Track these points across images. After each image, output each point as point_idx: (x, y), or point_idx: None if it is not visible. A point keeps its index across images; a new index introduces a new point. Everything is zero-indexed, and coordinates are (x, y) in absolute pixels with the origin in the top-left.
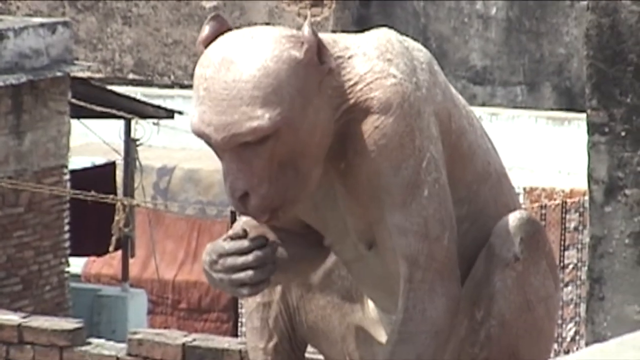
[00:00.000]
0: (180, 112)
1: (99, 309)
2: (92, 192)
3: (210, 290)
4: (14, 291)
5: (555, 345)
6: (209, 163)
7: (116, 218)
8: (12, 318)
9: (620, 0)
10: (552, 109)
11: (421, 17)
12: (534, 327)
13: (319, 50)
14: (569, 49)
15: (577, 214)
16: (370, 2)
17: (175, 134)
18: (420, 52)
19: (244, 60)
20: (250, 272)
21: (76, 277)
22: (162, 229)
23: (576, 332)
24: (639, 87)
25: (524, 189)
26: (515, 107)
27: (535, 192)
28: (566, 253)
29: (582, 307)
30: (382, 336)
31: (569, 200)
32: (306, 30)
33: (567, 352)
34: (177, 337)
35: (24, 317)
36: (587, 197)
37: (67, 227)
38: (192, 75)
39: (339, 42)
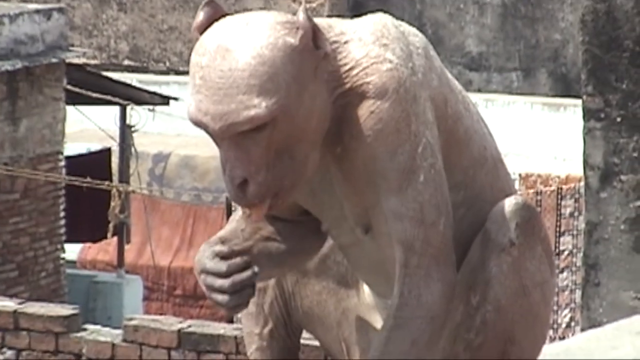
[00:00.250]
0: (175, 99)
1: (94, 295)
2: (88, 179)
3: None
4: (10, 277)
5: (551, 332)
6: (205, 149)
7: (112, 204)
8: (8, 304)
9: None
10: (547, 95)
11: (417, 3)
12: (529, 312)
13: (314, 35)
14: (565, 34)
15: (573, 200)
16: None
17: (170, 121)
18: (416, 37)
19: (240, 48)
20: (226, 297)
21: (72, 263)
22: (157, 215)
23: (571, 319)
24: (635, 73)
25: (520, 175)
26: (510, 93)
27: (530, 178)
28: (561, 239)
29: (578, 294)
30: (377, 322)
31: (564, 187)
32: (301, 16)
33: (562, 338)
34: (172, 323)
35: (20, 304)
36: (582, 183)
37: (62, 214)
38: (187, 62)
39: (334, 27)
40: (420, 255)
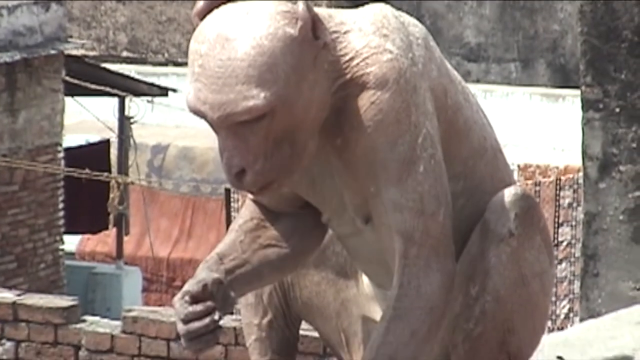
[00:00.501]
0: (174, 90)
1: (93, 286)
2: (87, 170)
3: None
4: (9, 269)
5: (550, 323)
6: (203, 141)
7: (111, 196)
8: (7, 296)
9: None
10: (546, 86)
11: None
12: (528, 302)
13: (313, 25)
14: (563, 25)
15: (572, 190)
16: None
17: (169, 112)
18: (416, 27)
19: (239, 38)
20: (186, 341)
21: (71, 254)
22: (156, 206)
23: (570, 309)
24: (633, 63)
25: (518, 165)
26: (509, 84)
27: (529, 169)
28: (560, 230)
29: (576, 284)
30: (376, 312)
31: (563, 177)
32: (301, 6)
33: (561, 329)
34: (171, 314)
35: (19, 295)
36: (581, 174)
37: (61, 205)
38: (186, 53)
39: (334, 17)
40: (420, 245)
